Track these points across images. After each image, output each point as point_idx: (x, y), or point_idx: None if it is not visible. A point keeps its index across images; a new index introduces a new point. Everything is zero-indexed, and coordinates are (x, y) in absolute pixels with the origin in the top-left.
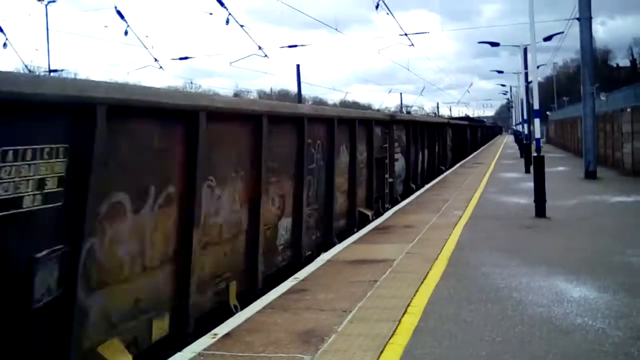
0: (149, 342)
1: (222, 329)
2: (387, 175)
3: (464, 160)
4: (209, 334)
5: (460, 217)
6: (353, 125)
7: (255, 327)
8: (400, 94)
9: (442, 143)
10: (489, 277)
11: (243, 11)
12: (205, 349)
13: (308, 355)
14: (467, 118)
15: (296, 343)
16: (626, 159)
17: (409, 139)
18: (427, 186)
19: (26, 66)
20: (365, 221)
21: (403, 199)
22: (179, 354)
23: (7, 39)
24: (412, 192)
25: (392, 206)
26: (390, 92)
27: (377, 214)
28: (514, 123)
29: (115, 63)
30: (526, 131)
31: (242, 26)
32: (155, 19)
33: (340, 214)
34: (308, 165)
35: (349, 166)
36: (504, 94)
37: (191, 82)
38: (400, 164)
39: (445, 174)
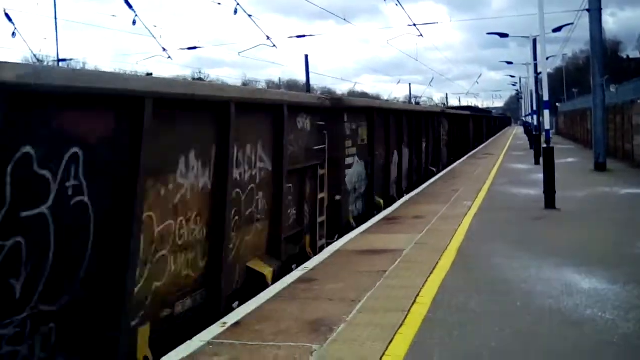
0: None
1: (231, 318)
2: (323, 194)
3: (465, 157)
4: (218, 323)
5: (470, 207)
6: (223, 113)
7: (265, 316)
8: (409, 84)
9: (433, 138)
10: (498, 268)
11: (250, 1)
12: (214, 338)
13: (317, 345)
14: (469, 108)
15: (305, 332)
16: (636, 151)
17: (372, 135)
18: (406, 197)
19: (35, 55)
20: (262, 285)
21: (362, 222)
22: (188, 342)
23: (15, 29)
24: (380, 209)
25: (342, 234)
26: (399, 82)
27: (300, 260)
28: (523, 114)
29: (124, 53)
30: (535, 122)
31: (250, 16)
32: (163, 9)
33: (172, 291)
34: (19, 210)
35: (211, 192)
36: (513, 85)
37: (200, 72)
38: (355, 172)
39: (439, 175)
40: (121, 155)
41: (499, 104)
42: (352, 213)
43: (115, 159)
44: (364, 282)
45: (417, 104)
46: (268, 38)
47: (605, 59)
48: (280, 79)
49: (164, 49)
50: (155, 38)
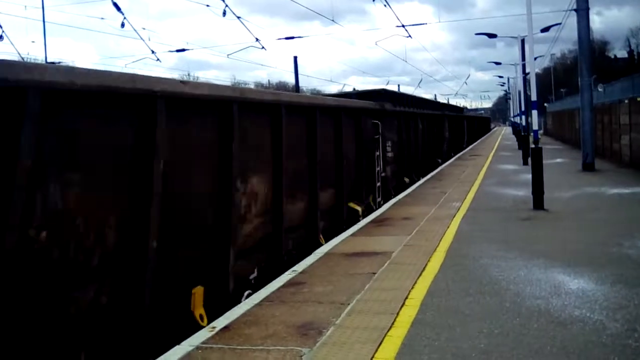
0: None
1: (220, 322)
2: None
3: (429, 175)
4: (207, 327)
5: (459, 209)
6: None
7: (254, 320)
8: (398, 85)
9: (356, 150)
10: (487, 270)
11: (236, 1)
12: (203, 342)
13: (306, 348)
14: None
15: (294, 336)
16: (624, 151)
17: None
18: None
19: (23, 58)
20: None
21: None
22: (177, 347)
23: (3, 31)
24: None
25: None
26: (387, 83)
27: None
28: (511, 115)
29: (112, 55)
30: (524, 123)
31: (238, 18)
32: (152, 11)
33: None
34: None
35: None
36: (502, 85)
37: (188, 74)
38: None
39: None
40: None
41: (488, 104)
42: None
43: None
44: (353, 284)
45: None
46: (257, 40)
47: (592, 59)
48: (269, 80)
49: (153, 52)
50: (143, 40)
